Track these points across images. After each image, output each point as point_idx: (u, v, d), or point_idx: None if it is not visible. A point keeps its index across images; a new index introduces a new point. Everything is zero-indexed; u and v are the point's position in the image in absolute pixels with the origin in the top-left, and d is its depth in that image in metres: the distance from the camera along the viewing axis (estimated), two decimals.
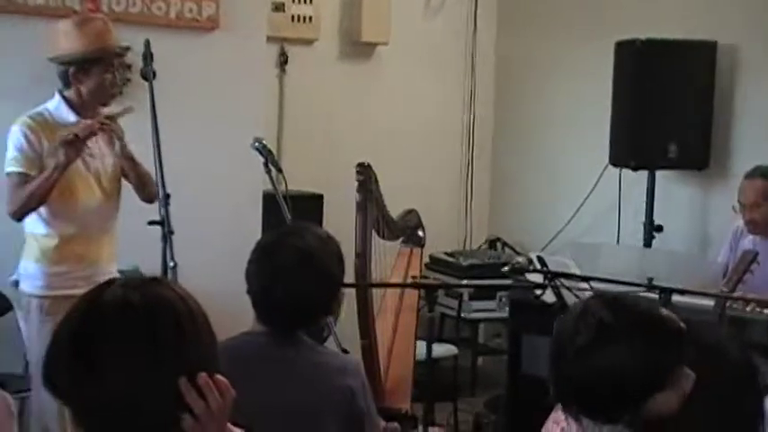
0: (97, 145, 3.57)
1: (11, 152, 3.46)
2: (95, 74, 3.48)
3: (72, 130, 3.35)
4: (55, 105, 3.54)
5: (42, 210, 3.46)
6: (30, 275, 3.53)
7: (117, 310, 1.33)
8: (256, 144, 3.52)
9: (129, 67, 4.13)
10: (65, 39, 3.53)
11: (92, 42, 3.48)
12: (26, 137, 3.44)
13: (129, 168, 3.60)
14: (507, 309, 5.02)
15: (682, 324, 1.75)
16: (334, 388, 2.21)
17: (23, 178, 3.42)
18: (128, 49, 3.54)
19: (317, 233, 2.36)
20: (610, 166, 5.07)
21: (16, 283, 3.61)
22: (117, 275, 3.64)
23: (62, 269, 3.49)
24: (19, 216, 3.44)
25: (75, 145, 3.33)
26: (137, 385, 1.31)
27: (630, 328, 1.73)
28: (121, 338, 1.32)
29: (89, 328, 1.33)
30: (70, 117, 3.51)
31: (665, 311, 1.79)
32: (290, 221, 3.40)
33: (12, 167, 3.44)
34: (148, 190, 3.60)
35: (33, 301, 3.51)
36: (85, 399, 1.33)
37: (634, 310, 1.77)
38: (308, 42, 5.74)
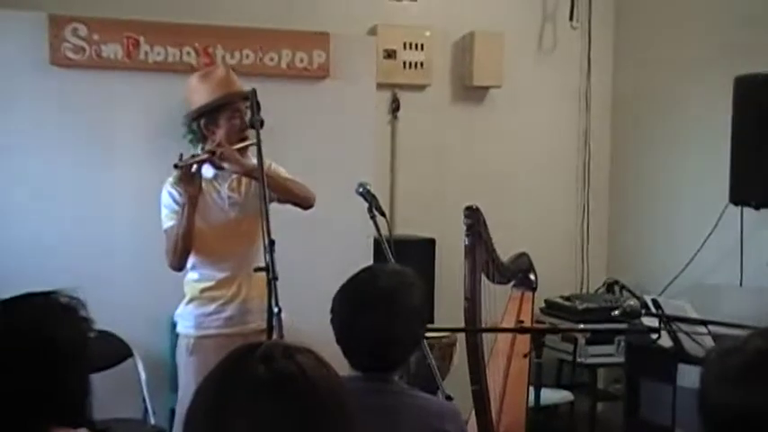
0: (236, 193, 3.67)
1: (162, 213, 3.60)
2: (224, 120, 3.59)
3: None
4: None
5: (192, 259, 3.60)
6: (182, 316, 3.69)
7: (249, 386, 1.33)
8: (360, 189, 3.54)
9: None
10: (192, 94, 3.66)
11: (214, 91, 3.59)
12: (170, 194, 3.58)
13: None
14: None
15: None
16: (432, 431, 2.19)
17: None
18: (253, 91, 3.41)
19: (394, 270, 2.38)
20: (731, 205, 4.89)
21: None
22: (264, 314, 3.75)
23: (208, 309, 3.61)
24: (174, 264, 3.57)
25: (186, 178, 3.44)
26: None
27: None
28: (253, 415, 1.31)
29: (222, 401, 1.33)
30: (209, 172, 3.62)
31: None
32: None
33: (164, 225, 3.58)
34: (298, 196, 3.66)
35: (182, 340, 3.66)
36: None
37: None
38: (420, 88, 5.77)
